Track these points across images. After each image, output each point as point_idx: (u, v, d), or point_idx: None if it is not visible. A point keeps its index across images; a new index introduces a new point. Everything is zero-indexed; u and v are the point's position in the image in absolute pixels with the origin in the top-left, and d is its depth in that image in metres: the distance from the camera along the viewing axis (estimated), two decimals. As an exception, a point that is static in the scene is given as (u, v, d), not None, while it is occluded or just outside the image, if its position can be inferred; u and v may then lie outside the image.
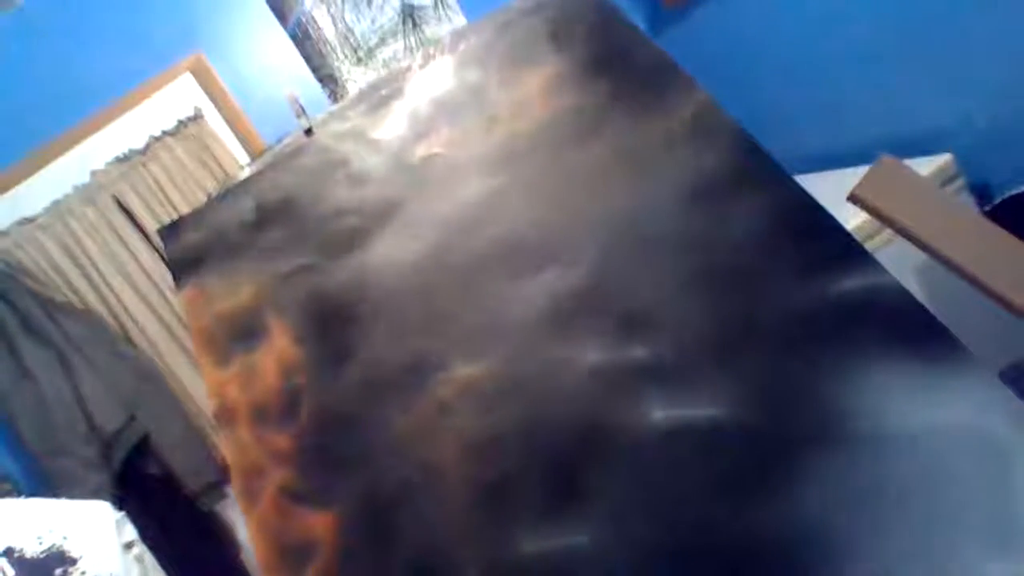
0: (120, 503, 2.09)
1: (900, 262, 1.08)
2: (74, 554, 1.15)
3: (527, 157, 0.97)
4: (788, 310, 0.78)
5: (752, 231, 0.83)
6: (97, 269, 2.31)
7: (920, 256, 1.00)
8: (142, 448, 2.23)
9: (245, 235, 1.04)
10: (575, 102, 0.99)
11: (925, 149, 1.61)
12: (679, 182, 0.89)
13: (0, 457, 2.28)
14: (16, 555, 1.11)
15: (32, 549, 1.12)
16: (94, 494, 2.06)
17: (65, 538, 1.15)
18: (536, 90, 1.01)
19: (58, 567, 1.12)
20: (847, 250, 0.78)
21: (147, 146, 2.35)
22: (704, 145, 0.89)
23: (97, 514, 1.24)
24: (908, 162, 1.16)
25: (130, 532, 1.27)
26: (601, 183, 0.93)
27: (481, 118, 1.02)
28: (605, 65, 1.00)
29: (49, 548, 1.13)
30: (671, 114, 0.93)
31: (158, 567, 1.35)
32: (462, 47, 1.09)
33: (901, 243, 1.05)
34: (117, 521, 1.25)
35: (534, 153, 0.97)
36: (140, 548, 1.28)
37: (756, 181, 0.85)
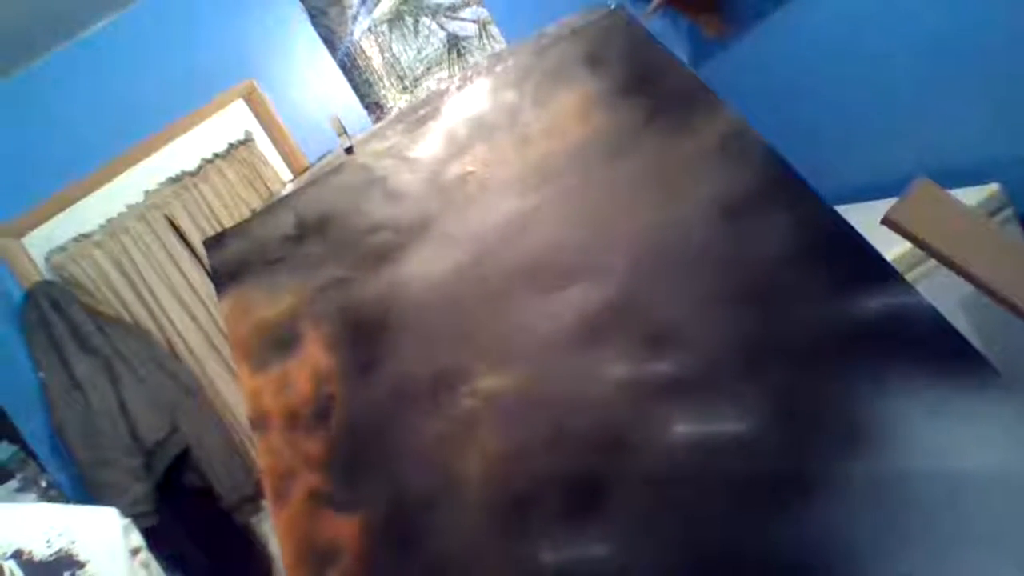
0: (159, 514, 2.14)
1: (943, 293, 1.06)
2: (82, 558, 1.17)
3: (559, 176, 0.99)
4: (815, 329, 0.77)
5: (780, 250, 0.83)
6: (147, 285, 2.39)
7: (963, 287, 0.98)
8: (182, 460, 2.29)
9: (286, 248, 1.08)
10: (607, 123, 1.01)
11: (972, 179, 1.58)
12: (708, 201, 0.89)
13: (50, 466, 2.36)
14: (25, 557, 1.13)
15: (40, 552, 1.15)
16: (135, 504, 2.12)
17: (73, 542, 1.18)
18: (570, 111, 1.03)
19: (66, 570, 1.15)
20: (876, 270, 0.77)
21: (199, 168, 2.45)
22: (733, 165, 0.90)
23: (105, 519, 1.26)
24: (955, 192, 1.14)
25: (137, 538, 1.29)
26: (631, 202, 0.94)
27: (515, 138, 1.05)
28: (637, 87, 1.01)
29: (57, 552, 1.16)
30: (702, 135, 0.94)
31: (163, 574, 1.37)
32: (499, 69, 1.12)
33: (943, 273, 1.03)
34: (124, 527, 1.27)
35: (566, 172, 0.99)
36: (146, 555, 1.30)
37: (785, 200, 0.85)
